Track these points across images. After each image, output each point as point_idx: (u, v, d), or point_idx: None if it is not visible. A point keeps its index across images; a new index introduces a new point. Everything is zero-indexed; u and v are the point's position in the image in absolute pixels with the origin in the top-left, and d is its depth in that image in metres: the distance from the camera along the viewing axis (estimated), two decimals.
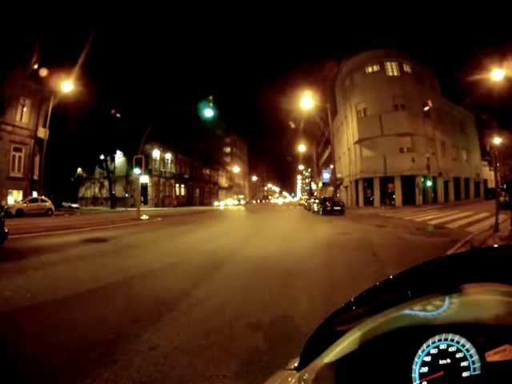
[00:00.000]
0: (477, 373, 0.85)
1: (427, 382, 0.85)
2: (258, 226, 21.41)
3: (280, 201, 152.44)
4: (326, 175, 59.87)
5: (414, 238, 13.07)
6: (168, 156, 76.12)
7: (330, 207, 31.38)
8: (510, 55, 23.89)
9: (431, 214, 25.08)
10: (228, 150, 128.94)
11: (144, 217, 26.01)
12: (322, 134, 69.00)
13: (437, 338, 0.88)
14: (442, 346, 0.88)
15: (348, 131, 52.05)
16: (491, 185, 55.86)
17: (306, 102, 39.91)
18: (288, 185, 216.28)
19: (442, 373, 0.86)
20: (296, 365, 0.97)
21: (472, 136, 58.69)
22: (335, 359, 0.88)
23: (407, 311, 0.85)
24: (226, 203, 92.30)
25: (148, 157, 60.61)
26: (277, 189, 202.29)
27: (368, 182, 47.36)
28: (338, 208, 31.44)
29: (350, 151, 51.78)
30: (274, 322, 4.42)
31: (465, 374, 0.85)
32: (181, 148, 79.65)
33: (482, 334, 0.87)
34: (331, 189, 53.58)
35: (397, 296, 0.87)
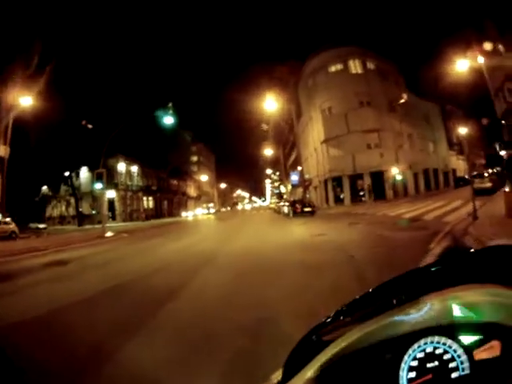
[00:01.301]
0: (466, 372, 0.84)
1: None
2: (228, 234, 20.84)
3: (248, 206, 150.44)
4: (295, 177, 59.84)
5: (391, 235, 12.50)
6: (134, 168, 74.08)
7: (300, 209, 31.32)
8: (470, 46, 23.98)
9: (404, 208, 24.87)
10: (195, 158, 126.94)
11: (109, 234, 25.07)
12: (288, 137, 68.91)
13: (422, 341, 0.86)
14: (429, 349, 0.86)
15: (313, 132, 51.88)
16: (460, 174, 58.06)
17: (270, 104, 39.97)
18: (257, 190, 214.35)
19: (430, 376, 0.84)
20: (279, 379, 0.93)
21: (438, 127, 59.78)
22: (321, 371, 0.84)
23: (392, 318, 0.84)
24: (195, 213, 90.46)
25: (113, 170, 59.50)
26: (246, 194, 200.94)
27: (337, 181, 47.04)
28: (309, 209, 31.36)
29: (317, 151, 51.48)
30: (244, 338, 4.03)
31: (454, 375, 0.84)
32: (147, 160, 77.91)
33: (468, 333, 0.85)
34: (301, 190, 53.39)
35: (382, 304, 0.86)
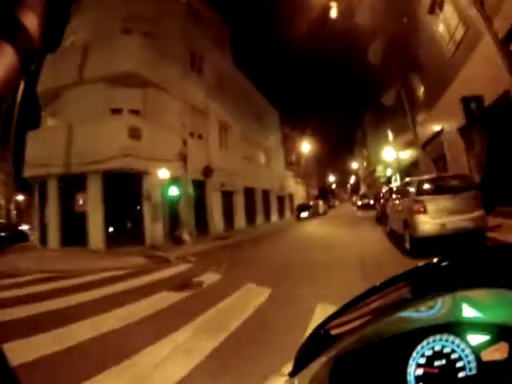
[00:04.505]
0: (473, 373, 0.85)
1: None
2: None
3: None
4: None
5: None
6: None
7: None
8: None
9: None
10: None
11: None
12: None
13: (431, 339, 0.88)
14: (437, 347, 0.88)
15: None
16: (298, 201, 46.63)
17: None
18: None
19: (436, 371, 0.86)
20: (290, 370, 0.95)
21: (275, 136, 42.88)
22: (330, 364, 0.88)
23: (402, 314, 0.85)
24: None
25: None
26: None
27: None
28: None
29: None
30: None
31: (461, 375, 0.85)
32: None
33: (476, 333, 0.87)
34: None
35: (391, 300, 0.85)
